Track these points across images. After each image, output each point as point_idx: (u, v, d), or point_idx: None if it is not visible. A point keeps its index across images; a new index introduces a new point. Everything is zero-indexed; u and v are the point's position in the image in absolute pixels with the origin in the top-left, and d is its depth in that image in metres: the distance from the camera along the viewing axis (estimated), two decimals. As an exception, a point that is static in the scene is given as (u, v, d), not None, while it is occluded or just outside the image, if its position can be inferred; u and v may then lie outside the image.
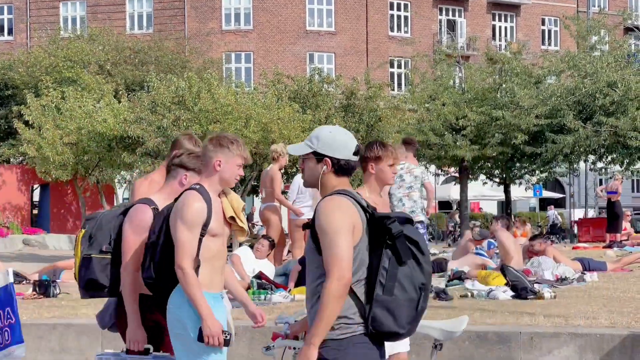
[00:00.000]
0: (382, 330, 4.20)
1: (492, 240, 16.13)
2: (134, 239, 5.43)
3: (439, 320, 6.97)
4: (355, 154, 4.41)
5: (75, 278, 5.67)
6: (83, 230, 5.65)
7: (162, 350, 5.54)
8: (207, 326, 5.04)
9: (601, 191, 26.95)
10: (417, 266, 4.23)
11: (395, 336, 4.27)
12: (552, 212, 45.74)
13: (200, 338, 5.07)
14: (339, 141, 4.40)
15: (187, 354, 5.15)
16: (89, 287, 5.58)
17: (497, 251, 15.55)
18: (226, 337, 5.13)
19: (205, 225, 5.10)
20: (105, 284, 5.53)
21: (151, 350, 5.47)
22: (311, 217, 13.17)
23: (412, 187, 13.05)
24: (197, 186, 5.22)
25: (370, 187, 6.18)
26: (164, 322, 5.30)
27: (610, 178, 30.43)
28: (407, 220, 4.32)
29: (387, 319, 4.19)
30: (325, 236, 4.18)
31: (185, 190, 5.23)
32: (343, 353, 4.19)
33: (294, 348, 5.19)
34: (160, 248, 5.21)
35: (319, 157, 4.39)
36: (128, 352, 5.48)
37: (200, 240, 5.10)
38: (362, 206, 4.30)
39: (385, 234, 4.22)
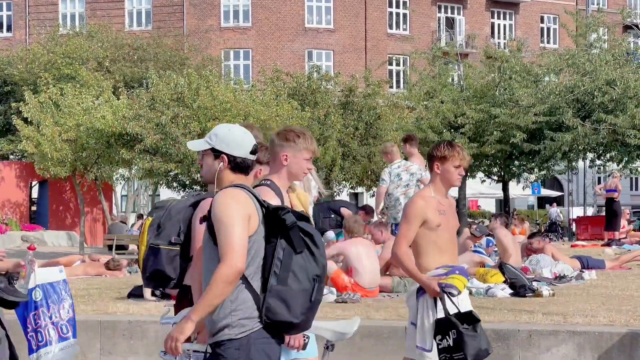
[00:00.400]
0: (277, 319, 4.28)
1: (490, 238, 16.15)
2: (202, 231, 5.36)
3: (330, 320, 7.05)
4: (252, 152, 4.55)
5: (139, 266, 5.56)
6: (150, 218, 5.51)
7: None
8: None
9: (600, 189, 26.96)
10: (311, 258, 4.32)
11: (289, 326, 4.35)
12: (555, 209, 45.74)
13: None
14: (237, 139, 4.54)
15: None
16: (154, 278, 5.44)
17: (496, 249, 15.56)
18: (305, 340, 5.05)
19: None
20: (172, 276, 5.41)
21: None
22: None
23: (408, 185, 13.07)
24: (268, 182, 5.19)
25: (435, 187, 6.26)
26: None
27: (609, 176, 30.45)
28: (303, 217, 4.42)
29: (281, 308, 4.26)
30: (220, 226, 4.28)
31: (256, 185, 5.20)
32: (244, 352, 4.26)
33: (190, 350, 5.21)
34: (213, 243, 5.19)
35: (216, 153, 4.53)
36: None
37: None
38: (258, 200, 4.41)
39: (280, 225, 4.32)
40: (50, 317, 6.85)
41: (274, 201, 5.06)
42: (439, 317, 5.81)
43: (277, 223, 4.33)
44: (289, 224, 4.28)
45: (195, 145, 4.61)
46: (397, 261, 6.10)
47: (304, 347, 5.06)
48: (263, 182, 5.19)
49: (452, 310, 5.78)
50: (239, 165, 4.52)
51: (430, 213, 6.08)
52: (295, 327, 4.36)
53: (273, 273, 4.28)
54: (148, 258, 5.42)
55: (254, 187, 5.14)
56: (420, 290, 6.00)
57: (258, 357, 4.28)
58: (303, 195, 5.33)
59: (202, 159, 4.63)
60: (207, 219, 4.37)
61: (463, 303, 5.95)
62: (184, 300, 5.43)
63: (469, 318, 5.79)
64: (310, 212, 5.35)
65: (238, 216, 4.26)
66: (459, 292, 5.91)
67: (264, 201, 4.42)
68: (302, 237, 4.31)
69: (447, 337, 5.73)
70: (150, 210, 5.67)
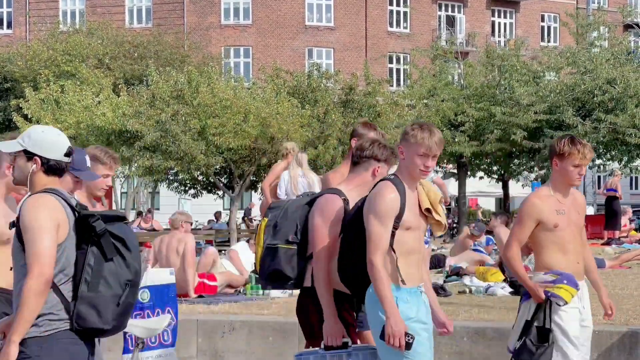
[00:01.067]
0: (87, 326, 4.27)
1: (490, 237, 16.14)
2: (325, 230, 5.20)
3: (140, 319, 7.00)
4: (66, 155, 4.48)
5: (256, 267, 5.47)
6: (266, 219, 5.42)
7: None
8: (390, 325, 4.82)
9: (602, 192, 26.94)
10: (123, 263, 4.30)
11: (100, 332, 4.35)
12: None
13: (382, 336, 4.86)
14: (50, 141, 4.46)
15: (385, 352, 4.94)
16: (273, 278, 5.36)
17: (496, 247, 15.55)
18: (408, 340, 4.84)
19: (398, 218, 4.90)
20: (290, 275, 5.31)
21: (350, 344, 5.24)
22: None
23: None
24: (392, 176, 5.02)
25: (554, 185, 5.87)
26: (350, 318, 5.24)
27: (609, 175, 30.44)
28: (118, 218, 4.41)
29: (92, 315, 4.24)
30: (28, 233, 4.21)
31: (380, 181, 5.05)
32: (46, 349, 4.23)
33: None
34: (355, 241, 5.01)
35: (29, 155, 4.45)
36: (326, 347, 5.22)
37: (393, 234, 4.89)
38: (70, 205, 4.36)
39: (90, 232, 4.29)
40: None
41: (408, 197, 4.89)
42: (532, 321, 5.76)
43: (87, 229, 4.30)
44: (99, 231, 4.26)
45: (7, 147, 4.52)
46: (506, 263, 5.91)
47: (408, 347, 4.82)
48: (387, 176, 5.04)
49: (546, 321, 5.73)
50: (53, 168, 4.44)
51: (546, 213, 5.77)
52: (107, 332, 4.35)
53: (84, 280, 4.24)
54: (265, 258, 5.34)
55: (379, 181, 5.01)
56: (525, 295, 5.85)
57: (60, 356, 4.24)
58: (433, 193, 5.06)
59: (14, 161, 4.54)
60: (17, 224, 4.31)
61: (569, 317, 5.82)
62: (308, 301, 5.31)
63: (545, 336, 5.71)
64: (441, 210, 5.19)
65: (46, 224, 4.21)
66: (565, 303, 5.76)
67: (77, 206, 4.38)
68: (114, 243, 4.28)
69: (536, 343, 5.70)
70: (266, 211, 5.54)
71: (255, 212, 36.35)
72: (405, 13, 51.82)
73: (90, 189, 5.97)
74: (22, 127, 25.67)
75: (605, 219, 25.42)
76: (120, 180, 36.41)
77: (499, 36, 52.76)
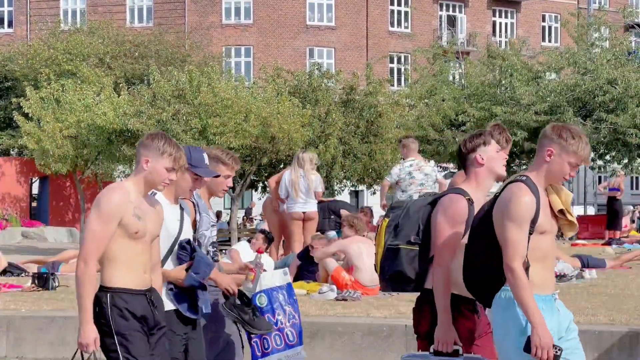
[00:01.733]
0: None
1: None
2: (449, 231, 5.01)
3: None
4: None
5: (376, 269, 5.30)
6: (386, 219, 5.26)
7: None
8: (537, 335, 4.51)
9: (603, 188, 26.93)
10: None
11: None
12: None
13: (527, 348, 4.55)
14: None
15: None
16: (394, 280, 5.17)
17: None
18: (557, 352, 4.54)
19: (533, 222, 4.62)
20: (412, 277, 5.12)
21: (461, 352, 5.04)
22: (304, 210, 13.16)
23: (423, 184, 13.06)
24: (524, 177, 4.74)
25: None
26: (470, 324, 5.07)
27: (611, 175, 30.45)
28: None
29: None
30: None
31: (509, 182, 4.76)
32: None
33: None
34: (481, 246, 4.78)
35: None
36: (436, 353, 5.06)
37: (527, 239, 4.62)
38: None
39: None
40: (276, 324, 6.58)
41: (542, 199, 4.59)
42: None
43: None
44: None
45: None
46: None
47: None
48: (518, 177, 4.75)
49: None
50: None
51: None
52: None
53: None
54: (386, 259, 5.18)
55: (508, 183, 4.74)
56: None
57: None
58: (564, 193, 4.76)
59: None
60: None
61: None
62: (425, 304, 5.14)
63: None
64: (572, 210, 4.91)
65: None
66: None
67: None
68: None
69: None
70: (387, 211, 5.39)
71: (256, 212, 36.36)
72: (406, 13, 51.84)
73: (211, 189, 6.00)
74: (23, 126, 25.68)
75: (607, 219, 25.45)
76: (121, 180, 36.39)
77: (500, 36, 52.78)
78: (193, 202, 5.74)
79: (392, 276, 5.17)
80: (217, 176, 5.82)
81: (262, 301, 6.59)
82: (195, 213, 5.72)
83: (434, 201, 5.16)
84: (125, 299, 4.90)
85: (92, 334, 4.89)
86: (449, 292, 4.99)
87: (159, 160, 4.89)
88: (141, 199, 4.90)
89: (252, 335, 6.49)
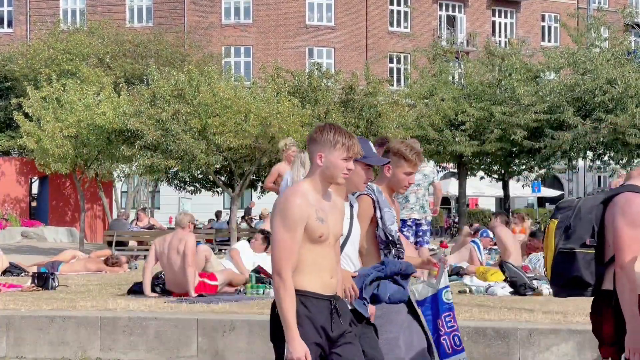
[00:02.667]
0: None
1: (486, 229, 16.17)
2: (630, 233, 4.68)
3: None
4: None
5: (546, 272, 5.03)
6: (555, 220, 4.95)
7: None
8: None
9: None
10: None
11: None
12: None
13: None
14: None
15: None
16: (571, 286, 4.87)
17: (494, 244, 15.56)
18: None
19: None
20: (590, 281, 4.82)
21: None
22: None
23: (419, 184, 13.04)
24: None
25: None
26: None
27: (611, 176, 30.45)
28: None
29: None
30: None
31: (620, 191, 4.64)
32: None
33: None
34: None
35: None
36: None
37: None
38: None
39: None
40: (449, 324, 6.38)
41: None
42: None
43: None
44: None
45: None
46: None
47: None
48: (626, 185, 4.60)
49: None
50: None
51: None
52: None
53: None
54: (559, 264, 4.89)
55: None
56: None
57: None
58: None
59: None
60: None
61: None
62: (605, 307, 4.85)
63: None
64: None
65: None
66: None
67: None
68: None
69: None
70: (554, 211, 5.07)
71: (255, 212, 36.35)
72: (405, 13, 51.82)
73: (392, 184, 5.73)
74: (23, 126, 25.67)
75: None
76: (121, 179, 36.40)
77: (500, 36, 52.77)
78: (373, 199, 5.49)
79: (568, 282, 4.89)
80: (387, 163, 5.56)
81: (448, 297, 6.33)
82: (375, 209, 5.46)
83: (606, 200, 4.86)
84: (307, 306, 4.57)
85: (301, 348, 4.44)
86: (637, 298, 4.68)
87: (332, 152, 4.58)
88: (320, 199, 4.60)
89: (440, 332, 6.28)
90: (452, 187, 42.06)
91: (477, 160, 32.79)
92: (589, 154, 31.64)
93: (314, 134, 4.67)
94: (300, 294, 4.54)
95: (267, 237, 13.24)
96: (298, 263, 4.54)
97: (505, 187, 34.33)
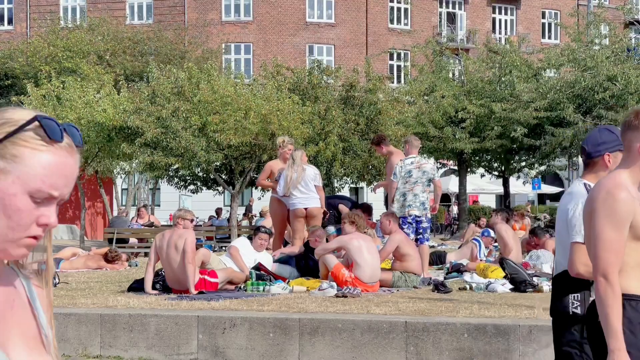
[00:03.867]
0: None
1: (488, 229, 16.18)
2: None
3: None
4: None
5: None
6: None
7: None
8: None
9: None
10: None
11: None
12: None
13: None
14: None
15: None
16: None
17: (494, 242, 15.57)
18: None
19: None
20: None
21: None
22: (306, 206, 13.02)
23: (417, 181, 13.05)
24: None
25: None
26: None
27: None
28: None
29: None
30: None
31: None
32: None
33: None
34: None
35: None
36: None
37: None
38: None
39: None
40: None
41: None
42: None
43: None
44: None
45: None
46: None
47: None
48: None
49: None
50: None
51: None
52: None
53: None
54: None
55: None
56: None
57: None
58: None
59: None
60: None
61: None
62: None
63: None
64: None
65: None
66: None
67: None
68: None
69: None
70: None
71: (256, 209, 36.35)
72: (406, 10, 51.83)
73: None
74: (23, 124, 25.65)
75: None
76: (121, 177, 36.40)
77: (500, 33, 52.77)
78: None
79: None
80: None
81: None
82: None
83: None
84: (638, 309, 4.02)
85: None
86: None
87: None
88: (637, 191, 4.06)
89: None
90: (452, 184, 42.08)
91: (477, 157, 32.80)
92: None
93: (634, 119, 4.05)
94: (629, 298, 4.02)
95: (267, 233, 13.24)
96: (622, 265, 4.04)
97: (506, 184, 34.34)
